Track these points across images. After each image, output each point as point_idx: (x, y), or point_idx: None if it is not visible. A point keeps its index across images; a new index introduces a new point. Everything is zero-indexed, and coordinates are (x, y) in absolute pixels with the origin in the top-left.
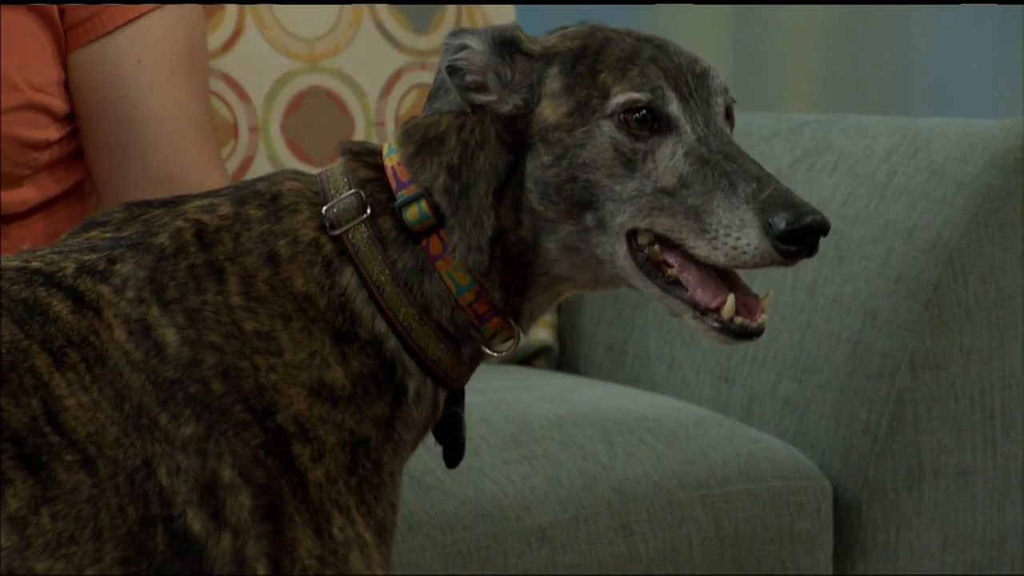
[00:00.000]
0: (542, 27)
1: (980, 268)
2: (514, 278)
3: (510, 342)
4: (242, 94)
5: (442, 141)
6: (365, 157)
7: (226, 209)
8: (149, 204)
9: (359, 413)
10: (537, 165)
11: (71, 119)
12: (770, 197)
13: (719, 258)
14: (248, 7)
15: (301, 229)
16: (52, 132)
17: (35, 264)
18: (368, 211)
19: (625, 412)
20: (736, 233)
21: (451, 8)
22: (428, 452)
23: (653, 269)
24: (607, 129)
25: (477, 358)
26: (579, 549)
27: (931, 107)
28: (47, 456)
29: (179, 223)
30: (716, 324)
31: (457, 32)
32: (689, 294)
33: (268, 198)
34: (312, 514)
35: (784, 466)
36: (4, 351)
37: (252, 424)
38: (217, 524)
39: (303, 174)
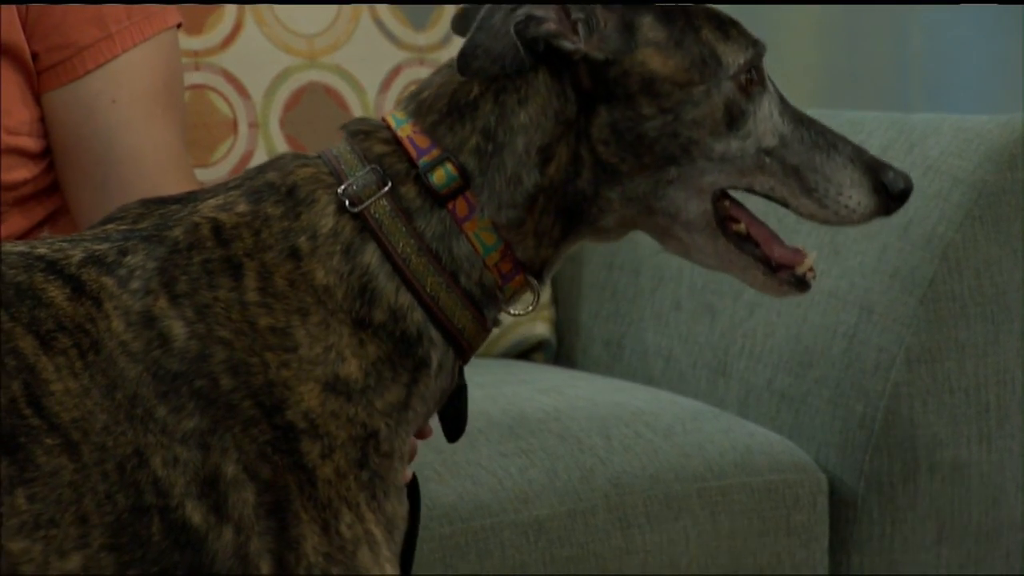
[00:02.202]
0: None
1: (975, 263)
2: (552, 228)
3: (529, 297)
4: (241, 90)
5: (475, 106)
6: (376, 134)
7: (243, 207)
8: (165, 200)
9: (370, 405)
10: (628, 115)
11: (46, 155)
12: (871, 158)
13: (828, 216)
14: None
15: (320, 220)
16: (26, 171)
17: (41, 251)
18: (388, 184)
19: (622, 406)
20: (848, 191)
21: (450, 5)
22: (426, 445)
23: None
24: (727, 90)
25: (494, 323)
26: (576, 541)
27: (927, 103)
28: (25, 438)
29: (195, 219)
30: (791, 279)
31: None
32: (761, 250)
33: (284, 192)
34: (319, 511)
35: (780, 460)
36: None
37: (260, 420)
38: (218, 518)
39: (309, 156)
